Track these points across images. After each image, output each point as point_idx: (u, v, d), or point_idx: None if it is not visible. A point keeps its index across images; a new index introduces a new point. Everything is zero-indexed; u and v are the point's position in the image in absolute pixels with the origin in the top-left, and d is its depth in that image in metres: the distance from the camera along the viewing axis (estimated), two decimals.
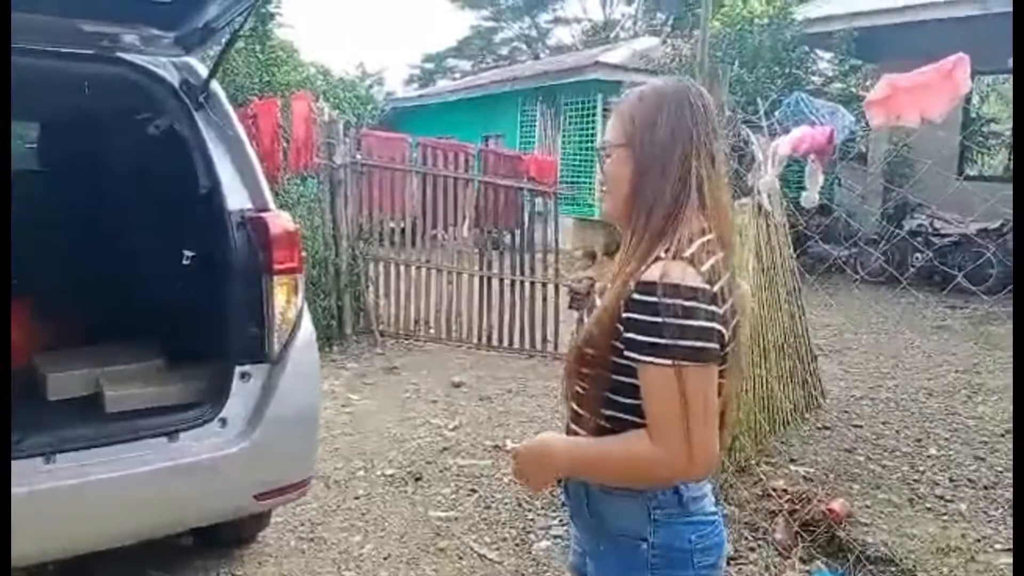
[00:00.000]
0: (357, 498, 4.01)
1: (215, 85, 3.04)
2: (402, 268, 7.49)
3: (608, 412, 1.44)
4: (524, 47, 31.27)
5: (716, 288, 1.35)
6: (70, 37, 2.76)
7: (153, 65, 2.95)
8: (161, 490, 2.56)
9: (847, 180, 11.09)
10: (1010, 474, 4.26)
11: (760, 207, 4.38)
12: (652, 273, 1.34)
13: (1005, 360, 6.63)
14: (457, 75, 29.31)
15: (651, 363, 1.33)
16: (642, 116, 1.47)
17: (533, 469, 1.55)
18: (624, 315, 1.36)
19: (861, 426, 4.98)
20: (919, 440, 4.77)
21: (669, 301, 1.30)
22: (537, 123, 15.21)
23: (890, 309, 8.15)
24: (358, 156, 7.31)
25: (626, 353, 1.36)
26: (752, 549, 3.41)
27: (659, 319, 1.31)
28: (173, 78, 2.97)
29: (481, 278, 7.39)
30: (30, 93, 3.59)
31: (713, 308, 1.33)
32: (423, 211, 7.47)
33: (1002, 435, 4.85)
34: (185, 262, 3.17)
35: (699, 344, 1.31)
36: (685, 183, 1.42)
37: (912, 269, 9.27)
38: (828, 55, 13.17)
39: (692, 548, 1.46)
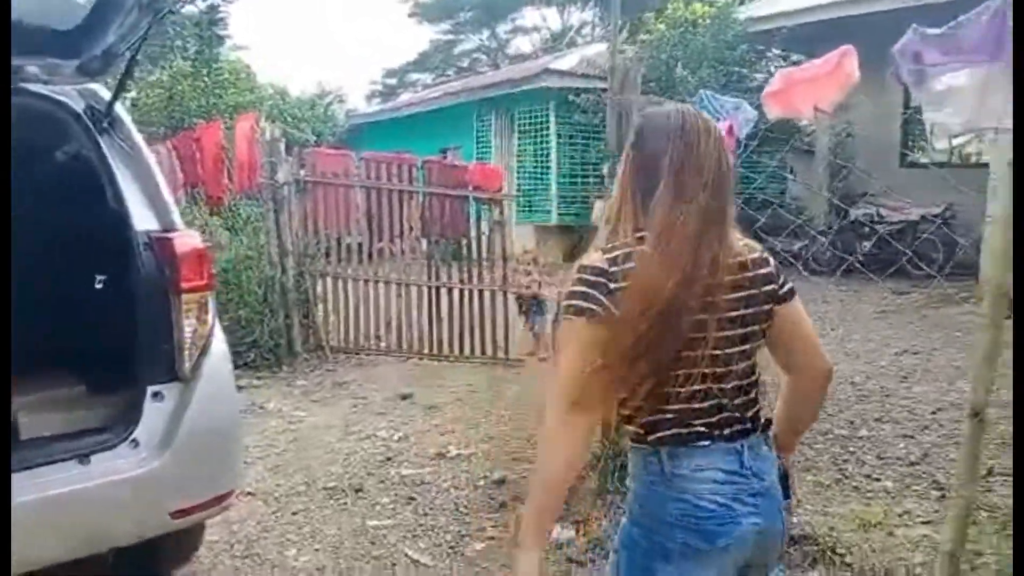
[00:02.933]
0: (295, 513, 4.02)
1: (119, 109, 3.07)
2: (350, 283, 7.51)
3: None
4: (484, 57, 31.37)
5: (615, 268, 1.55)
6: None
7: (56, 93, 2.98)
8: (74, 511, 2.58)
9: (798, 173, 11.29)
10: (937, 450, 4.38)
11: None
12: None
13: (943, 340, 6.79)
14: (419, 89, 29.30)
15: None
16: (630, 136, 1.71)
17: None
18: None
19: None
20: (852, 422, 4.87)
21: (573, 275, 1.60)
22: (492, 133, 15.30)
23: (834, 298, 8.27)
24: (301, 173, 7.33)
25: None
26: None
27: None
28: (77, 105, 3.00)
29: (430, 288, 7.43)
30: None
31: (598, 279, 1.55)
32: (369, 225, 7.50)
33: (933, 413, 4.97)
34: (97, 286, 3.18)
35: (573, 301, 1.57)
36: (632, 194, 1.64)
37: (859, 257, 9.36)
38: (775, 51, 13.37)
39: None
